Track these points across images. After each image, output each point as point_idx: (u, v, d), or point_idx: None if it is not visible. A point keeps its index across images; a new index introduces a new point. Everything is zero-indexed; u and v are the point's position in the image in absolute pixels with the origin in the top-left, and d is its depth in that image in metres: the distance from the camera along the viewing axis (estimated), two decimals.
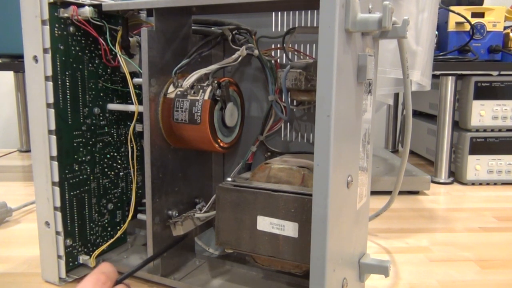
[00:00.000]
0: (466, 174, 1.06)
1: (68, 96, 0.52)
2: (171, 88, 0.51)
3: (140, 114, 0.52)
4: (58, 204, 0.52)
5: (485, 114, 1.04)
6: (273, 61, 0.56)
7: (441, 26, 1.09)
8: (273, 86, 0.55)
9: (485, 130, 1.06)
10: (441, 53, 1.07)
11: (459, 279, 0.58)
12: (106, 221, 0.60)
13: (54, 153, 0.51)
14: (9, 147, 1.52)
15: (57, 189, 0.52)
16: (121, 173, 0.61)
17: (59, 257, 0.54)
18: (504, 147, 1.05)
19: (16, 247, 0.67)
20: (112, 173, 0.60)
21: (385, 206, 0.61)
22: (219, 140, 0.52)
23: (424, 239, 0.72)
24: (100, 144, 0.58)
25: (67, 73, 0.52)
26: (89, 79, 0.55)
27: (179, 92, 0.51)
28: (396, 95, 1.41)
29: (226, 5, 0.45)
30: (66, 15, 0.50)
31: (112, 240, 0.58)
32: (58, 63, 0.51)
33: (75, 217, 0.55)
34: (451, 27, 1.07)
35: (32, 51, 0.50)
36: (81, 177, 0.55)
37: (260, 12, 0.57)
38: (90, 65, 0.55)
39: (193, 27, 0.55)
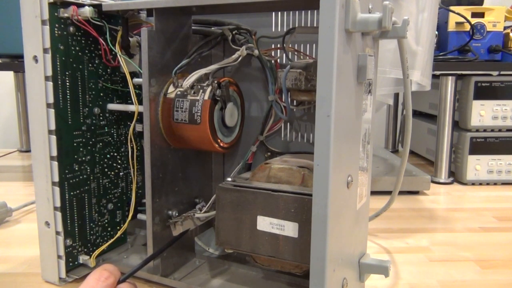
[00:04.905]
0: (466, 174, 1.06)
1: (68, 96, 0.52)
2: (171, 88, 0.51)
3: (140, 114, 0.52)
4: (58, 204, 0.52)
5: (485, 114, 1.04)
6: (273, 61, 0.56)
7: (441, 26, 1.09)
8: (273, 86, 0.55)
9: (485, 130, 1.06)
10: (441, 53, 1.07)
11: (459, 279, 0.58)
12: (106, 221, 0.60)
13: (54, 153, 0.51)
14: (9, 147, 1.52)
15: (57, 189, 0.52)
16: (121, 173, 0.61)
17: (59, 257, 0.54)
18: (504, 147, 1.05)
19: (16, 247, 0.67)
20: (112, 173, 0.60)
21: (385, 206, 0.61)
22: (219, 140, 0.52)
23: (424, 239, 0.72)
24: (100, 144, 0.58)
25: (67, 73, 0.52)
26: (89, 79, 0.55)
27: (179, 92, 0.51)
28: (396, 95, 1.41)
29: (226, 5, 0.45)
30: (66, 15, 0.50)
31: (112, 240, 0.58)
32: (58, 63, 0.51)
33: (75, 217, 0.55)
34: (451, 27, 1.07)
35: (32, 51, 0.50)
36: (81, 177, 0.55)
37: (260, 12, 0.57)
38: (90, 65, 0.55)
39: (193, 27, 0.55)
